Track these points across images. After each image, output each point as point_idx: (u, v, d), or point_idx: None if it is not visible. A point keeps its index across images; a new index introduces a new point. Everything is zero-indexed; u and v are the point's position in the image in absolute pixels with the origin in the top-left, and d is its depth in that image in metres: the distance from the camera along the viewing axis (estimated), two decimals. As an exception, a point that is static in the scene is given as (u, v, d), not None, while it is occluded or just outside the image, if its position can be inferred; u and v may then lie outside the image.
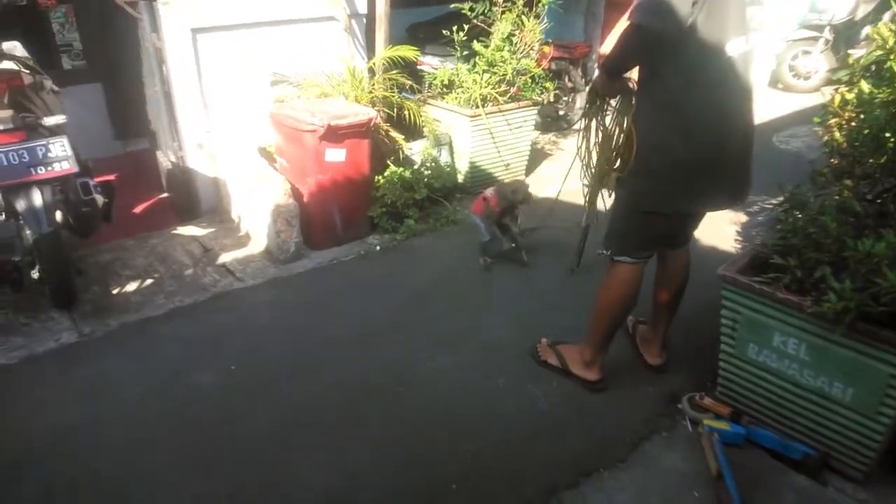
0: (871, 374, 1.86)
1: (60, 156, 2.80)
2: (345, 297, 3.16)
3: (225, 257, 3.55)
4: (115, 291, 3.22)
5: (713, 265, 2.18)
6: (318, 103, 3.68)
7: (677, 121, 2.00)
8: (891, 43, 1.81)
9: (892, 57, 1.79)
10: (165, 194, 4.33)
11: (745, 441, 2.13)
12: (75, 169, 2.83)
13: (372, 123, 3.53)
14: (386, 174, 3.86)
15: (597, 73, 2.38)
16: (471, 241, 3.68)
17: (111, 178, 3.23)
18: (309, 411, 2.37)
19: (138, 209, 4.22)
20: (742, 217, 3.71)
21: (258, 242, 3.66)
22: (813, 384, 2.01)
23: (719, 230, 3.53)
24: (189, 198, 4.05)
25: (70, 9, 4.66)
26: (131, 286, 3.26)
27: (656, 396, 2.42)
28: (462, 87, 4.34)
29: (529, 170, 4.74)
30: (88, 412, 2.37)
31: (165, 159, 4.23)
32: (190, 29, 3.64)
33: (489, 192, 3.40)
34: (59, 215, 2.86)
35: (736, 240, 3.47)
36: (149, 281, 3.30)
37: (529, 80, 4.46)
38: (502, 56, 4.28)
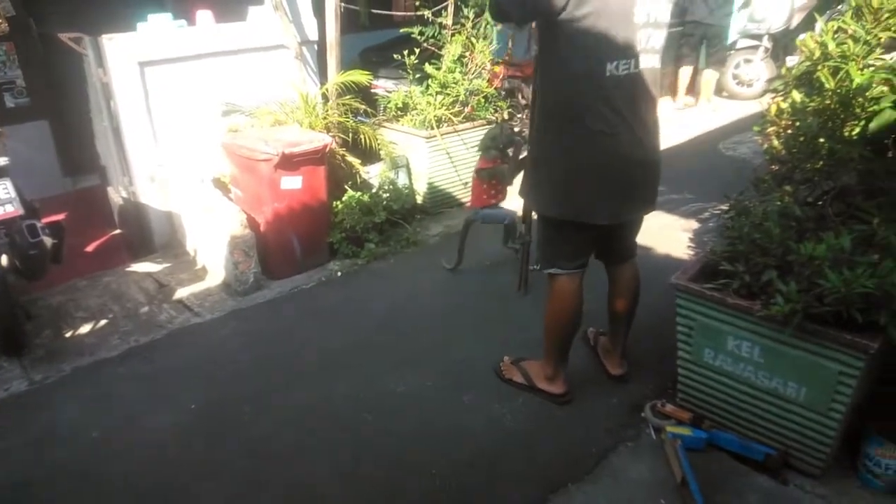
0: (822, 373, 1.92)
1: (3, 199, 2.72)
2: (306, 326, 3.12)
3: (181, 292, 3.47)
4: (67, 334, 3.12)
5: (668, 273, 2.22)
6: (272, 131, 3.67)
7: (562, 126, 2.06)
8: (817, 54, 1.89)
9: (819, 68, 1.87)
10: (118, 231, 4.24)
11: (708, 445, 2.16)
12: (20, 211, 2.75)
13: (327, 149, 3.52)
14: (344, 199, 3.85)
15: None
16: (432, 262, 3.70)
17: (60, 217, 3.15)
18: (273, 446, 2.32)
19: (90, 247, 4.11)
20: (694, 224, 3.81)
21: (215, 275, 3.59)
22: (768, 385, 2.06)
23: (673, 237, 3.61)
24: (142, 233, 3.96)
25: (11, 45, 4.56)
26: (85, 328, 3.16)
27: (620, 406, 2.45)
28: (416, 109, 4.37)
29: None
30: (40, 465, 2.27)
31: (116, 195, 4.14)
32: (137, 62, 3.60)
33: (478, 166, 3.34)
34: (4, 259, 2.77)
35: (689, 246, 3.56)
36: (103, 321, 3.21)
37: (483, 100, 4.53)
38: (454, 77, 4.33)
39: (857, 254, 1.85)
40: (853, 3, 1.89)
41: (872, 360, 1.86)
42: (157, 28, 3.72)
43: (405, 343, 2.93)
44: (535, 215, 2.44)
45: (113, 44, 3.52)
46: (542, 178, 2.19)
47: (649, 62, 2.00)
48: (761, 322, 1.95)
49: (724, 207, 2.30)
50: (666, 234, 3.65)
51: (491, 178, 3.30)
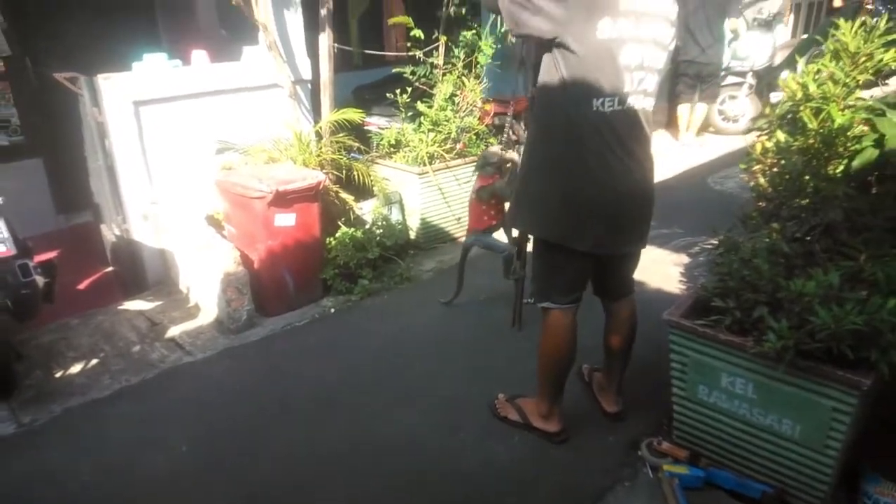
0: (816, 409, 1.92)
1: (-4, 238, 2.71)
2: (299, 364, 3.10)
3: (174, 331, 3.45)
4: (58, 375, 3.08)
5: (661, 307, 2.23)
6: (266, 169, 3.70)
7: (550, 152, 2.11)
8: (799, 95, 1.95)
9: (801, 108, 1.93)
10: (110, 268, 4.23)
11: (705, 483, 2.15)
12: (12, 251, 2.75)
13: (321, 186, 3.55)
14: (337, 235, 3.87)
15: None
16: (426, 297, 3.70)
17: (52, 256, 3.14)
18: (265, 488, 2.29)
19: (82, 285, 4.09)
20: (684, 258, 3.85)
21: (208, 313, 3.58)
22: (763, 422, 2.06)
23: (663, 272, 3.64)
24: (135, 270, 3.95)
25: (7, 84, 4.60)
26: (76, 368, 3.13)
27: (616, 445, 2.44)
28: (409, 146, 4.43)
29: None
30: (28, 510, 2.23)
31: (110, 232, 4.14)
32: (132, 102, 3.64)
33: (476, 186, 3.34)
34: (-5, 299, 2.75)
35: (680, 280, 3.59)
36: (94, 361, 3.18)
37: (474, 137, 4.60)
38: (446, 115, 4.40)
39: (845, 290, 1.87)
40: (830, 47, 1.95)
41: (866, 397, 1.87)
42: (152, 68, 3.77)
43: (398, 381, 2.91)
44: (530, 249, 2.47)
45: (108, 83, 3.56)
46: (531, 200, 2.22)
47: (640, 103, 2.05)
48: (754, 359, 1.97)
49: (714, 242, 2.33)
50: (657, 268, 3.67)
51: (490, 198, 3.31)
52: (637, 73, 1.99)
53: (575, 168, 2.06)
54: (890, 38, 1.84)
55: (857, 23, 1.89)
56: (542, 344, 2.36)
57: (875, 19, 2.02)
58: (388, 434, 2.55)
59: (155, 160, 3.80)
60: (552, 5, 1.91)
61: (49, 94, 4.50)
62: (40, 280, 2.84)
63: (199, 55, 3.97)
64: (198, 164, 3.91)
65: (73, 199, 4.83)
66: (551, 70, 2.03)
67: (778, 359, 1.86)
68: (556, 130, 2.08)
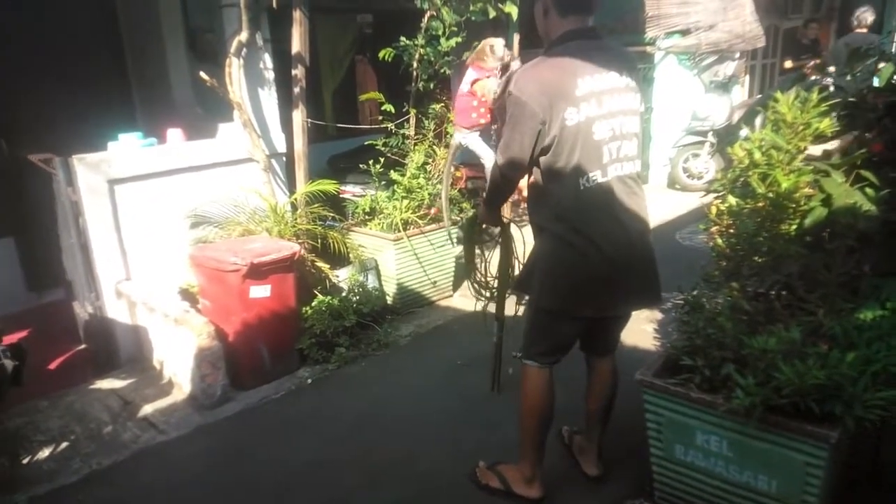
0: (789, 464, 1.95)
1: (-36, 323, 2.68)
2: (274, 440, 3.05)
3: (147, 409, 3.38)
4: (25, 461, 2.98)
5: (637, 366, 2.27)
6: (241, 242, 3.73)
7: (545, 226, 2.21)
8: (746, 162, 2.07)
9: (750, 174, 2.04)
10: (82, 346, 4.15)
11: (688, 545, 2.14)
12: (-22, 336, 2.71)
13: (296, 257, 3.58)
14: (313, 304, 3.87)
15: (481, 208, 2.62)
16: (404, 363, 3.69)
17: (22, 336, 3.09)
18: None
19: (53, 365, 4.00)
20: (658, 315, 3.91)
21: (182, 389, 3.52)
22: (740, 479, 2.07)
23: (638, 329, 3.69)
24: (108, 348, 3.89)
25: (-21, 166, 4.61)
26: (44, 452, 3.03)
27: (598, 508, 2.41)
28: (384, 213, 4.51)
29: (456, 285, 4.86)
30: None
31: (82, 310, 4.09)
32: (107, 181, 3.68)
33: (471, 77, 3.16)
34: (-40, 385, 2.69)
35: (655, 337, 3.64)
36: (64, 444, 3.09)
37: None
38: (419, 183, 4.52)
39: (807, 345, 1.94)
40: (770, 118, 2.09)
41: (836, 449, 1.90)
42: (127, 147, 3.84)
43: (376, 454, 2.87)
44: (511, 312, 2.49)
45: (83, 163, 3.61)
46: (540, 274, 2.26)
47: (622, 169, 2.14)
48: (725, 416, 2.00)
49: (680, 301, 2.40)
50: (631, 325, 3.67)
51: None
52: (613, 144, 2.11)
53: (576, 244, 2.13)
54: (822, 108, 1.99)
55: (793, 94, 2.03)
56: (522, 402, 2.38)
57: (812, 88, 2.17)
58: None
59: (129, 236, 3.82)
60: (528, 134, 2.05)
61: (23, 174, 4.52)
62: (9, 364, 2.78)
63: (174, 133, 4.06)
64: (173, 238, 3.93)
65: (45, 276, 4.77)
66: (536, 172, 2.17)
67: (747, 415, 1.90)
68: (551, 216, 2.18)
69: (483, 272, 3.19)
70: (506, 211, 2.96)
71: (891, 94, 2.29)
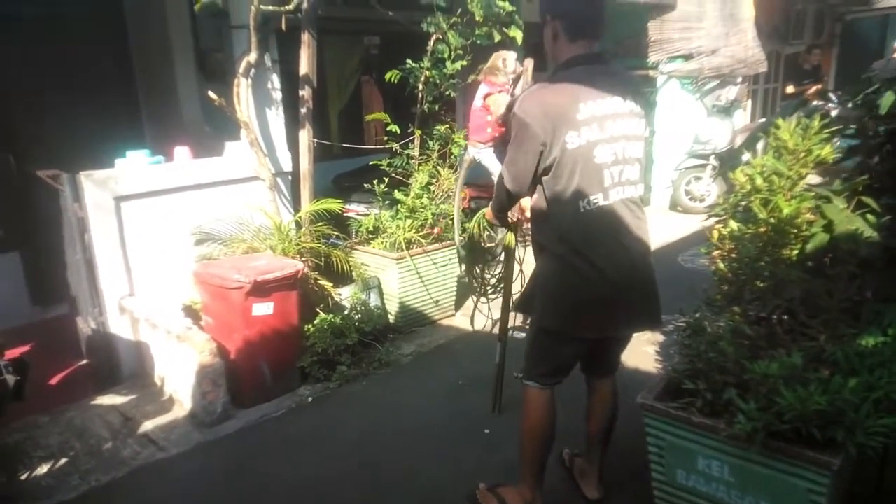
0: (792, 491, 1.93)
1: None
2: (274, 459, 3.04)
3: (147, 425, 3.37)
4: (24, 477, 2.97)
5: (638, 389, 2.27)
6: (245, 259, 3.75)
7: (546, 248, 2.24)
8: (748, 187, 2.09)
9: (751, 199, 2.06)
10: (84, 361, 4.16)
11: (689, 572, 2.12)
12: (-19, 351, 2.72)
13: (299, 275, 3.59)
14: (315, 322, 3.88)
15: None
16: (405, 382, 3.68)
17: (24, 351, 3.10)
18: None
19: (55, 380, 4.01)
20: (659, 337, 3.90)
21: (182, 406, 3.52)
22: (742, 505, 2.05)
23: (640, 350, 3.68)
24: (110, 363, 3.90)
25: (-11, 181, 4.66)
26: (43, 468, 3.02)
27: (599, 533, 2.40)
28: (387, 232, 4.53)
29: (458, 304, 4.87)
30: None
31: (85, 325, 4.10)
32: (113, 197, 3.71)
33: (483, 92, 3.10)
34: (-38, 400, 2.69)
35: (656, 360, 3.63)
36: (63, 460, 3.08)
37: (450, 222, 4.72)
38: (422, 203, 4.54)
39: (808, 370, 1.93)
40: (772, 144, 2.11)
41: (838, 476, 1.89)
42: (134, 164, 3.88)
43: (376, 473, 2.86)
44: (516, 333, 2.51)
45: (90, 180, 3.65)
46: (542, 296, 2.28)
47: (624, 193, 2.16)
48: (727, 441, 1.99)
49: (682, 324, 2.40)
50: (633, 347, 3.66)
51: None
52: (615, 168, 2.12)
53: (578, 267, 2.14)
54: (824, 135, 2.01)
55: (795, 121, 2.05)
56: (524, 422, 2.38)
57: (813, 114, 2.19)
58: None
59: (134, 253, 3.84)
60: (530, 154, 2.09)
61: (30, 190, 4.57)
62: (10, 379, 2.78)
63: (181, 151, 4.10)
64: (178, 255, 3.95)
65: (50, 291, 4.80)
66: (539, 193, 2.20)
67: (749, 441, 1.89)
68: (553, 237, 2.19)
69: (484, 287, 3.18)
70: (510, 234, 2.98)
71: (891, 122, 2.32)
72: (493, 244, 3.28)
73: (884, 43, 11.92)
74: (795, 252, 2.14)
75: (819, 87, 8.73)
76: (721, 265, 2.23)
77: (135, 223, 3.83)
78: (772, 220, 2.01)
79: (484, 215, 2.70)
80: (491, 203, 2.58)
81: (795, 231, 2.04)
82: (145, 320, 3.79)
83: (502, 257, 3.11)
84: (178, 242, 3.98)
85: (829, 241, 2.11)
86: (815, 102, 3.77)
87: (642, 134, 2.19)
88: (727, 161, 7.09)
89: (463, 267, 4.32)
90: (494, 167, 3.20)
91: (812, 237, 2.12)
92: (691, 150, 7.30)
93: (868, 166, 2.26)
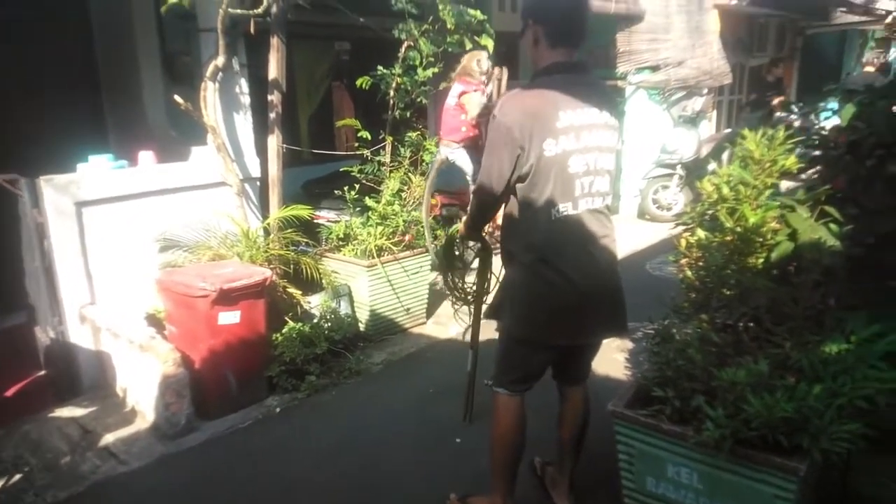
0: (759, 496, 1.95)
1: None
2: (239, 473, 2.96)
3: (108, 438, 3.27)
4: (-27, 494, 2.85)
5: (609, 396, 2.27)
6: (211, 267, 3.66)
7: (516, 257, 2.22)
8: (714, 197, 2.12)
9: (718, 208, 2.08)
10: (43, 372, 4.01)
11: (659, 580, 2.12)
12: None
13: (267, 283, 3.53)
14: (284, 331, 3.81)
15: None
16: (375, 392, 3.64)
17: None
18: None
19: (10, 391, 3.85)
20: (629, 344, 3.93)
21: (145, 418, 3.42)
22: (710, 512, 2.07)
23: (609, 358, 3.71)
24: (70, 374, 3.77)
25: (-58, 186, 4.48)
26: (-6, 485, 2.91)
27: (570, 542, 2.39)
28: (358, 239, 4.49)
29: (430, 312, 4.85)
30: None
31: (44, 334, 3.96)
32: (74, 203, 3.60)
33: (458, 91, 3.05)
34: None
35: (626, 367, 3.66)
36: (17, 476, 2.96)
37: (422, 229, 4.70)
38: (394, 209, 4.52)
39: (775, 377, 1.96)
40: (738, 154, 2.14)
41: (804, 482, 1.91)
42: (96, 169, 3.78)
43: (346, 484, 2.81)
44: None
45: (50, 185, 3.54)
46: (511, 303, 2.27)
47: (593, 203, 2.17)
48: (695, 448, 2.00)
49: (651, 331, 2.42)
50: (602, 354, 3.69)
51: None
52: (586, 179, 2.13)
53: (546, 275, 2.14)
54: (788, 145, 2.05)
55: (760, 133, 2.09)
56: (494, 429, 2.37)
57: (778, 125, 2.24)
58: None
59: (96, 260, 3.73)
60: (506, 159, 2.08)
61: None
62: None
63: (146, 156, 4.00)
64: (141, 262, 3.85)
65: (7, 300, 4.63)
66: (511, 201, 2.19)
67: (717, 448, 1.90)
68: (521, 245, 2.19)
69: (460, 292, 3.16)
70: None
71: (852, 133, 2.38)
72: (466, 249, 3.26)
73: (841, 57, 12.35)
74: (761, 260, 2.18)
75: (782, 98, 8.98)
76: (688, 273, 2.25)
77: (97, 229, 3.72)
78: (738, 229, 2.04)
79: (457, 231, 2.70)
80: (464, 219, 2.56)
81: (761, 240, 2.07)
82: (107, 329, 3.68)
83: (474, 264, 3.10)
84: (141, 249, 3.87)
85: (793, 250, 2.16)
86: (778, 114, 3.86)
87: (615, 146, 2.21)
88: (694, 170, 7.23)
89: (437, 273, 4.29)
90: (467, 167, 3.21)
91: (777, 246, 2.16)
92: (658, 160, 7.42)
93: (830, 176, 2.31)
